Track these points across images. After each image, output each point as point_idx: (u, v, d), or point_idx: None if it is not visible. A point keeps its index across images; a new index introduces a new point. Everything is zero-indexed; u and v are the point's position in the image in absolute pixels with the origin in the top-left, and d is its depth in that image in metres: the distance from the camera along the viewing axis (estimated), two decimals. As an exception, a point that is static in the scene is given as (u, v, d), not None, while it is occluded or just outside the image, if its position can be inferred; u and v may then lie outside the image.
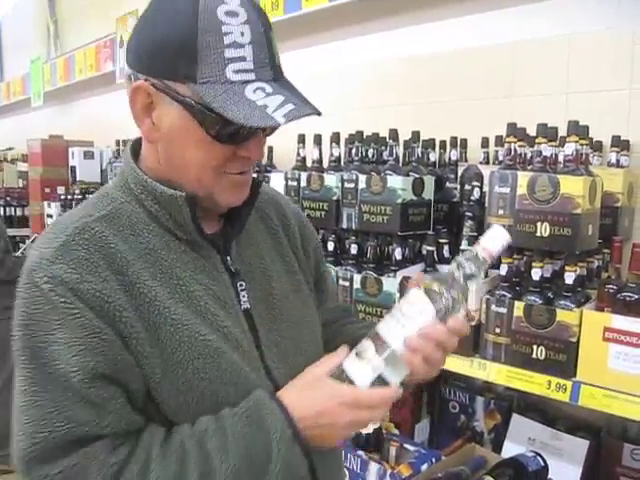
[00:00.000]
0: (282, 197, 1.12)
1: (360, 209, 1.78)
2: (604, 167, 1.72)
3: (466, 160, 2.01)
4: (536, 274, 1.46)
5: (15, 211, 4.84)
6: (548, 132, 1.47)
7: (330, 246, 1.88)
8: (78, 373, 0.74)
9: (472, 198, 1.75)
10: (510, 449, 1.72)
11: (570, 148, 1.43)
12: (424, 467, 1.64)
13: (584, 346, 1.36)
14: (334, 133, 2.01)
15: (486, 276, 1.57)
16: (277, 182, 2.02)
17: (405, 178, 1.72)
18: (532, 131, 1.54)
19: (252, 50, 0.77)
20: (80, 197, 3.69)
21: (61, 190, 3.96)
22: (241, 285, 0.91)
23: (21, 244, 4.43)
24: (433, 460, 1.67)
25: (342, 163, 2.03)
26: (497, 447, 1.79)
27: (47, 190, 4.18)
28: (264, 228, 1.01)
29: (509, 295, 1.49)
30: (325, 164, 2.03)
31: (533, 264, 1.47)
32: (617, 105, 1.80)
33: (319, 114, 0.79)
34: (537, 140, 1.50)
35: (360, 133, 1.98)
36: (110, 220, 0.83)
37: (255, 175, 0.94)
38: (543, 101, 1.96)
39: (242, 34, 0.76)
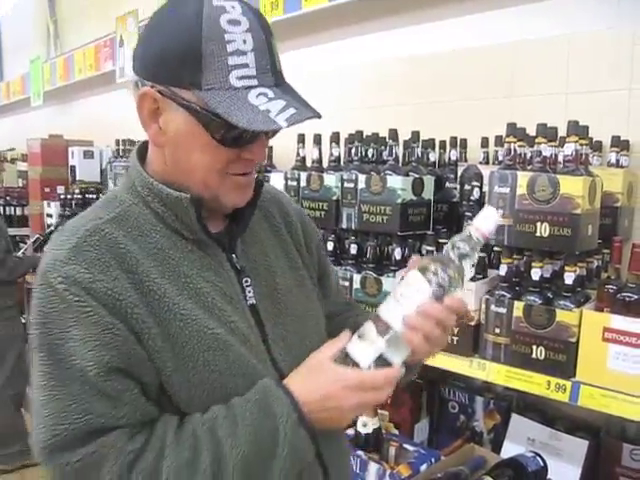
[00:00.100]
0: (284, 195, 1.16)
1: (360, 209, 1.77)
2: (604, 167, 1.72)
3: (466, 160, 2.01)
4: (536, 274, 1.46)
5: (15, 210, 4.86)
6: (548, 132, 1.47)
7: (330, 246, 1.88)
8: (94, 367, 0.78)
9: (472, 198, 1.75)
10: (509, 449, 1.72)
11: (570, 148, 1.42)
12: (423, 467, 1.64)
13: (583, 346, 1.36)
14: (334, 133, 2.01)
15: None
16: (277, 182, 2.02)
17: (405, 178, 1.71)
18: (532, 131, 1.54)
19: (254, 57, 0.80)
20: (80, 197, 3.70)
21: (61, 190, 3.97)
22: (246, 281, 0.94)
23: (21, 243, 4.43)
24: (432, 460, 1.67)
25: (342, 163, 2.03)
26: (496, 447, 1.79)
27: (47, 190, 4.19)
28: (267, 226, 1.04)
29: (509, 295, 1.49)
30: (325, 164, 2.03)
31: (533, 264, 1.47)
32: (617, 105, 1.80)
33: (319, 117, 0.82)
34: (537, 140, 1.49)
35: (360, 133, 1.98)
36: (119, 222, 0.87)
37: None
38: (543, 101, 1.96)
39: (244, 42, 0.80)
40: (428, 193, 1.78)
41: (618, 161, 1.72)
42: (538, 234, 1.42)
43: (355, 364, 0.85)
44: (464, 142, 2.02)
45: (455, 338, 1.54)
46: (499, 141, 1.82)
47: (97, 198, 3.67)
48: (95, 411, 0.78)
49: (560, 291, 1.44)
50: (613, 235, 1.56)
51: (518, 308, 1.44)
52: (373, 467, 1.67)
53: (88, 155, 4.12)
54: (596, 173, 1.50)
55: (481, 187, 1.74)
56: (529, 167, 1.54)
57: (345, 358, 0.86)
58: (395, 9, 2.38)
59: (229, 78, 0.79)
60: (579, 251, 1.43)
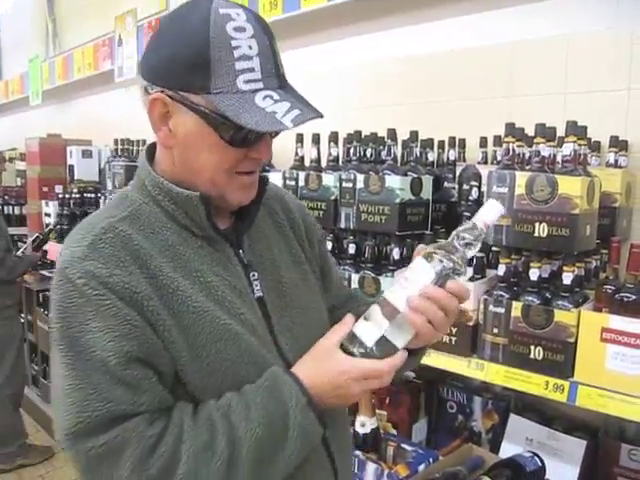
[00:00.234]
0: (286, 193, 1.21)
1: (358, 209, 1.78)
2: (602, 167, 1.72)
3: (464, 160, 2.01)
4: (534, 274, 1.46)
5: (13, 210, 4.85)
6: (546, 132, 1.47)
7: (328, 246, 1.88)
8: (114, 357, 0.82)
9: (470, 198, 1.75)
10: (508, 449, 1.72)
11: (568, 148, 1.42)
12: (421, 467, 1.64)
13: (582, 346, 1.36)
14: (332, 133, 2.01)
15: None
16: (275, 181, 2.00)
17: (403, 178, 1.71)
18: (530, 131, 1.54)
19: (259, 61, 0.85)
20: (78, 196, 3.69)
21: (59, 189, 3.96)
22: (253, 275, 0.99)
23: (19, 243, 4.43)
24: (430, 460, 1.68)
25: (340, 163, 2.03)
26: (495, 447, 1.79)
27: (45, 189, 4.18)
28: (271, 222, 1.09)
29: (507, 295, 1.49)
30: (323, 164, 2.03)
31: (531, 264, 1.47)
32: (615, 105, 1.80)
33: (322, 117, 0.86)
34: (535, 140, 1.49)
35: (358, 133, 1.98)
36: (132, 220, 0.91)
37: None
38: (541, 101, 1.96)
39: (250, 47, 0.85)
40: (426, 193, 1.78)
41: (617, 161, 1.72)
42: (536, 234, 1.42)
43: (361, 344, 0.90)
44: (462, 142, 2.02)
45: (453, 338, 1.55)
46: (497, 141, 1.82)
47: (96, 197, 3.66)
48: (116, 399, 0.82)
49: (558, 291, 1.44)
50: (611, 235, 1.56)
51: (516, 308, 1.44)
52: (371, 467, 1.67)
53: (86, 154, 4.11)
54: (594, 173, 1.50)
55: (479, 187, 1.74)
56: (527, 167, 1.53)
57: (353, 339, 0.91)
58: (393, 9, 2.38)
59: (236, 82, 0.84)
60: (577, 251, 1.43)
